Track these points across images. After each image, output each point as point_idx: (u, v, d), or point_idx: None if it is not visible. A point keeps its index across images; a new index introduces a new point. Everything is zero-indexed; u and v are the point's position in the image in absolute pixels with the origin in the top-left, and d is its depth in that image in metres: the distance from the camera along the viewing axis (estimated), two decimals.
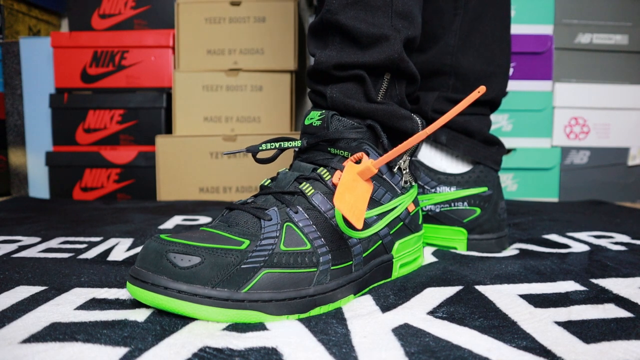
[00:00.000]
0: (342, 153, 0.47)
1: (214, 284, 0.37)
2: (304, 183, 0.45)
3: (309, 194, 0.43)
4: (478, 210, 0.62)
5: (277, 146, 0.47)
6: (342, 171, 0.44)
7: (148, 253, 0.38)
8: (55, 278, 0.49)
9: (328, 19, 0.49)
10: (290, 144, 0.48)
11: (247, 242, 0.39)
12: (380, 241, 0.47)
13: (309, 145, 0.48)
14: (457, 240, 0.63)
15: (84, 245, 0.64)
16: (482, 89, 0.42)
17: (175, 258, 0.37)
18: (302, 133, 0.50)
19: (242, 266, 0.38)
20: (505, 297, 0.44)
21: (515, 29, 1.20)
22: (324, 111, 0.48)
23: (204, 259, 0.37)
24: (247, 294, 0.37)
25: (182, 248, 0.37)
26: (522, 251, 0.63)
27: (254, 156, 0.48)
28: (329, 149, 0.47)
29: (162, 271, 0.37)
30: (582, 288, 0.47)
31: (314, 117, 0.48)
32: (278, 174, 0.48)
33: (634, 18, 1.21)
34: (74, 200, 1.15)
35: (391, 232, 0.49)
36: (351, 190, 0.40)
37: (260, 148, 0.47)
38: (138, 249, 0.63)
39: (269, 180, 0.48)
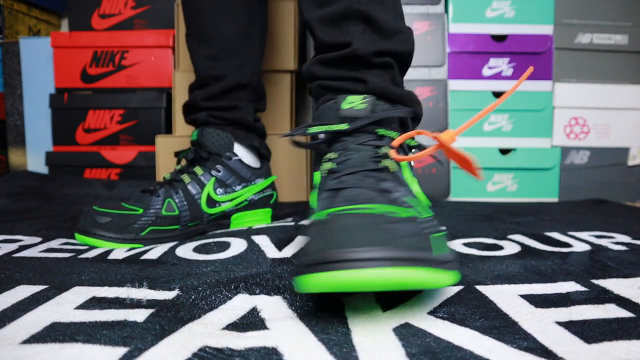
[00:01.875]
0: (389, 134, 0.50)
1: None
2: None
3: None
4: (275, 194, 0.82)
5: (324, 129, 0.49)
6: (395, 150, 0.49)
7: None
8: (56, 277, 0.49)
9: (357, 9, 0.53)
10: (336, 127, 0.49)
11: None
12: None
13: (355, 128, 0.49)
14: (267, 218, 0.81)
15: (85, 247, 0.64)
16: (530, 69, 0.45)
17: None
18: (340, 117, 0.50)
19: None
20: (506, 297, 0.44)
21: (515, 29, 1.20)
22: (366, 95, 0.50)
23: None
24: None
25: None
26: (524, 248, 0.63)
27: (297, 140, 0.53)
28: (376, 130, 0.49)
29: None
30: (583, 288, 0.47)
31: (355, 101, 0.50)
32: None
33: (634, 18, 1.21)
34: (73, 180, 1.15)
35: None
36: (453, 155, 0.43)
37: (307, 132, 0.50)
38: (138, 249, 0.62)
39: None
